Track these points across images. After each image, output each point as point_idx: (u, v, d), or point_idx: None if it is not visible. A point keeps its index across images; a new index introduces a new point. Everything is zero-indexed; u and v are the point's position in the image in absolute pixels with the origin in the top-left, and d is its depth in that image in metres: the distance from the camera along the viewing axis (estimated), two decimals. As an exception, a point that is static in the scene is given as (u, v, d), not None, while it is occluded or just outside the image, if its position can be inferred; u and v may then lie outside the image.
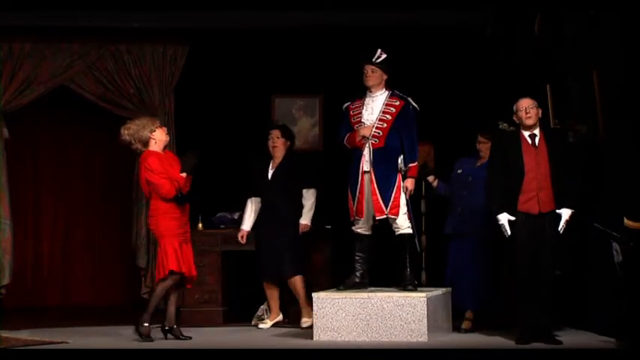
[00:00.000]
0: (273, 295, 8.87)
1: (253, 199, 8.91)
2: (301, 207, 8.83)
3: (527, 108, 7.58)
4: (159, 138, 7.98)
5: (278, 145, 8.88)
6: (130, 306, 10.37)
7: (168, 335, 8.01)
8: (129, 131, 7.95)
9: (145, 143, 7.95)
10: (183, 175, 7.89)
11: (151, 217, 8.01)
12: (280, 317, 8.88)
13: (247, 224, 8.92)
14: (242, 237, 8.91)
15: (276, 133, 8.89)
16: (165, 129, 8.12)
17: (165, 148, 8.05)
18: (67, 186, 10.98)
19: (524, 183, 7.50)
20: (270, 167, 8.86)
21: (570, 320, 8.25)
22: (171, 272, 7.87)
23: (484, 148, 8.38)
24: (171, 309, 8.07)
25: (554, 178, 7.51)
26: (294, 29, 10.02)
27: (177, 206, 7.91)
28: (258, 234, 8.88)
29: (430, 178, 8.66)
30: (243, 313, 9.10)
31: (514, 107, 7.66)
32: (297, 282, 8.75)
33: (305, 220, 8.84)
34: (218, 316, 9.11)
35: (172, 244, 7.86)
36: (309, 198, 8.87)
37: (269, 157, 8.92)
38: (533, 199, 7.50)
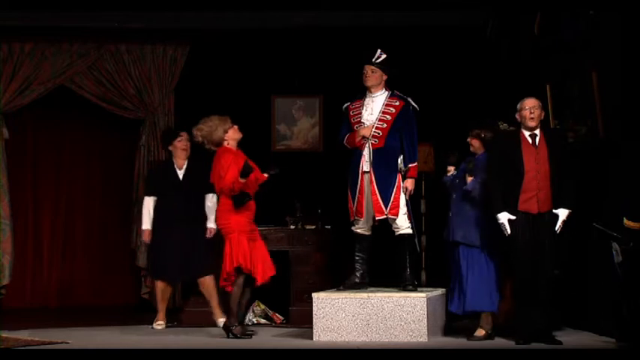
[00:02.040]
0: (165, 295, 8.89)
1: (152, 198, 8.86)
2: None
3: (532, 108, 7.57)
4: (231, 137, 8.11)
5: (187, 148, 8.91)
6: (130, 306, 10.38)
7: (229, 335, 8.09)
8: (201, 132, 8.10)
9: (218, 144, 8.09)
10: (242, 180, 7.93)
11: (220, 212, 8.07)
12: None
13: (149, 223, 8.85)
14: (147, 236, 8.86)
15: (186, 136, 8.89)
16: (236, 127, 8.17)
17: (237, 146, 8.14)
18: (67, 186, 10.98)
19: (524, 182, 7.50)
20: (177, 167, 8.88)
21: (570, 320, 8.25)
22: (239, 268, 7.93)
23: (475, 144, 8.03)
24: (241, 306, 8.15)
25: (553, 178, 7.51)
26: (294, 29, 10.02)
27: (249, 204, 8.00)
28: (160, 233, 8.81)
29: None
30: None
31: (518, 105, 7.63)
32: (210, 282, 8.79)
33: (213, 223, 8.85)
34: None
35: (242, 240, 7.94)
36: (211, 202, 8.91)
37: (169, 159, 8.94)
38: (533, 199, 7.50)
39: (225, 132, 8.09)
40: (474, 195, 7.72)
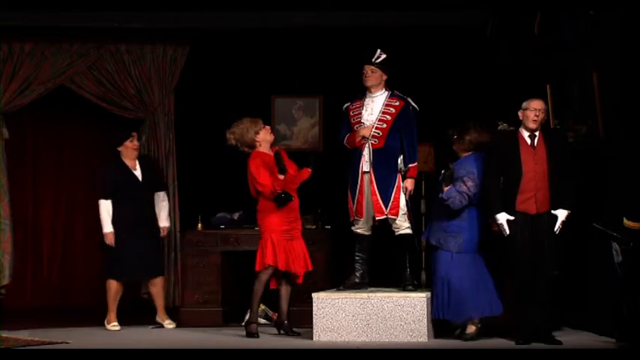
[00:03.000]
0: (118, 296, 8.88)
1: (109, 201, 8.82)
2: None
3: (537, 110, 7.54)
4: (263, 138, 8.15)
5: (137, 149, 8.99)
6: (129, 306, 10.37)
7: (281, 331, 8.24)
8: (234, 135, 8.15)
9: (251, 145, 8.12)
10: (281, 176, 7.99)
11: (258, 212, 8.15)
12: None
13: (111, 226, 8.80)
14: (112, 239, 8.80)
15: (136, 136, 9.00)
16: (268, 128, 8.23)
17: (271, 146, 8.20)
18: (67, 186, 10.97)
19: (522, 183, 7.50)
20: (132, 168, 8.91)
21: (570, 320, 8.25)
22: (268, 266, 7.99)
23: (455, 148, 7.96)
24: (283, 305, 8.25)
25: (552, 179, 7.51)
26: (294, 29, 10.02)
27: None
28: (120, 234, 8.79)
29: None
30: (243, 313, 9.08)
31: (523, 104, 7.59)
32: (161, 282, 8.95)
33: (167, 222, 9.05)
34: (218, 316, 9.10)
35: (272, 239, 8.00)
36: (165, 200, 9.03)
37: (118, 160, 8.92)
38: (531, 199, 7.50)
39: (257, 133, 8.13)
40: (448, 204, 7.62)
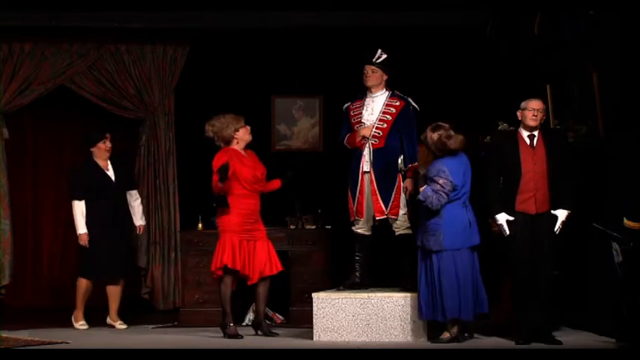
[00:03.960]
0: (87, 295, 8.92)
1: (83, 201, 8.87)
2: None
3: (535, 110, 7.54)
4: (241, 137, 8.16)
5: (110, 150, 9.01)
6: (129, 306, 10.37)
7: (258, 331, 8.22)
8: (213, 128, 8.16)
9: (228, 141, 8.14)
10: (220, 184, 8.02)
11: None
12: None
13: (85, 227, 8.85)
14: (86, 240, 8.84)
15: (110, 137, 9.01)
16: (248, 128, 8.22)
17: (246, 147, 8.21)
18: (66, 186, 10.95)
19: (522, 183, 7.49)
20: (104, 169, 8.96)
21: (570, 320, 8.25)
22: (226, 267, 7.97)
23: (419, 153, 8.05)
24: (260, 305, 8.22)
25: (551, 179, 7.50)
26: (294, 29, 10.02)
27: (242, 204, 8.03)
28: (93, 235, 8.84)
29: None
30: (243, 313, 9.09)
31: (522, 104, 7.59)
32: (123, 283, 9.00)
33: (142, 220, 9.14)
34: (218, 316, 9.09)
35: (231, 240, 7.98)
36: (138, 198, 9.13)
37: (90, 160, 8.98)
38: (531, 200, 7.50)
39: (236, 131, 8.14)
40: (426, 204, 7.56)
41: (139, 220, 9.10)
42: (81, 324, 8.85)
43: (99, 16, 9.73)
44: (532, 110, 7.55)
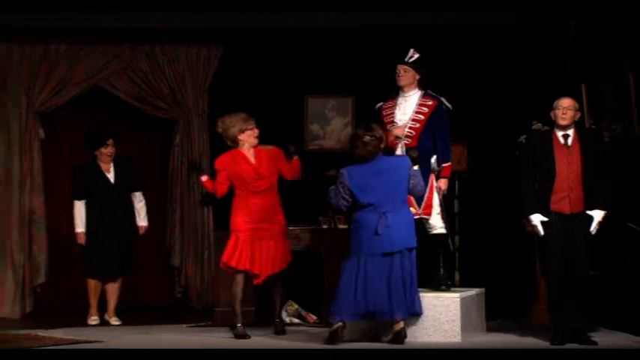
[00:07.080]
0: (97, 292, 9.16)
1: (83, 201, 9.05)
2: None
3: (564, 108, 7.50)
4: (245, 139, 8.16)
5: (112, 154, 9.15)
6: (164, 305, 10.42)
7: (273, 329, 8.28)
8: (222, 125, 8.22)
9: (233, 141, 8.16)
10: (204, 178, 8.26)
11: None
12: None
13: (83, 226, 9.06)
14: (82, 239, 9.07)
15: (112, 142, 9.16)
16: (256, 131, 8.19)
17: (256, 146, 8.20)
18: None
19: (556, 183, 7.45)
20: (105, 171, 9.09)
21: (606, 321, 8.18)
22: (233, 268, 8.02)
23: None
24: (276, 305, 8.30)
25: (586, 179, 7.44)
26: (327, 29, 10.01)
27: (246, 204, 8.03)
28: (94, 235, 9.02)
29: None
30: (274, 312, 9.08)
31: (554, 104, 7.57)
32: (121, 282, 9.17)
33: (145, 222, 9.24)
34: (250, 315, 9.09)
35: (234, 239, 8.02)
36: (142, 200, 9.25)
37: (93, 163, 9.15)
38: (565, 199, 7.44)
39: (242, 132, 8.13)
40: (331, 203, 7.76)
41: (141, 221, 9.23)
42: (93, 319, 9.09)
43: (133, 17, 9.79)
44: (561, 109, 7.51)
